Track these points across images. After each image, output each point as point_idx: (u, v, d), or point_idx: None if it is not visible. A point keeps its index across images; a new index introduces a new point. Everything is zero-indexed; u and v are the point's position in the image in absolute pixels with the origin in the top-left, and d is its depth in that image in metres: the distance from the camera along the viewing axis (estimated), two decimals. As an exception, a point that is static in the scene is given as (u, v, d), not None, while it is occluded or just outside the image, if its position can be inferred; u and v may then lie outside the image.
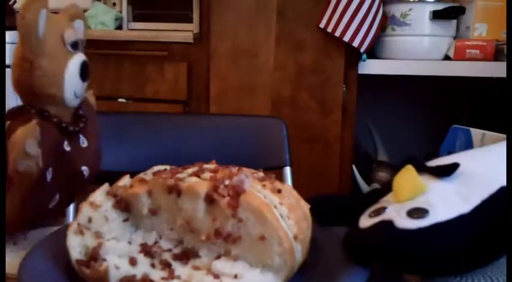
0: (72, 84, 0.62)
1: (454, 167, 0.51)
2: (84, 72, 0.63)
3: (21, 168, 0.56)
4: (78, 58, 0.63)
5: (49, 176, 0.60)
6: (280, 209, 0.48)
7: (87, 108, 0.71)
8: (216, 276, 0.47)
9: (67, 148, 0.64)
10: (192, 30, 1.93)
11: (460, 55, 1.76)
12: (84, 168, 0.66)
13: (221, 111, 1.87)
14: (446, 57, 1.82)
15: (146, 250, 0.51)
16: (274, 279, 0.47)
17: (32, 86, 0.62)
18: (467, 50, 1.76)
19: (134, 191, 0.53)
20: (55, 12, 0.65)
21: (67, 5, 0.68)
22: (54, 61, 0.61)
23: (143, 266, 0.49)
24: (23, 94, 0.64)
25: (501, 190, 0.49)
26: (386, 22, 1.83)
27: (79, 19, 0.67)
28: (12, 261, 0.52)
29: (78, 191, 0.67)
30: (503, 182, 0.49)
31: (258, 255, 0.47)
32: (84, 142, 0.67)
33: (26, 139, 0.55)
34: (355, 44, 1.72)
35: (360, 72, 1.81)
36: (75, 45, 0.63)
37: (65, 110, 0.65)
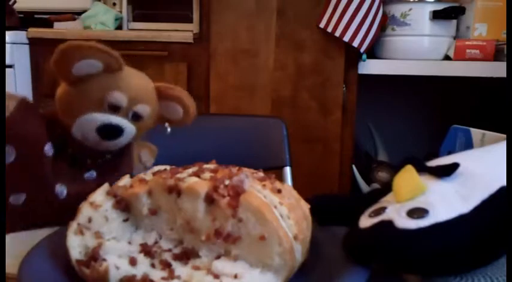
0: (84, 129, 0.64)
1: (454, 167, 0.51)
2: (104, 132, 0.63)
3: None
4: (105, 118, 0.63)
5: (9, 157, 0.60)
6: (280, 209, 0.48)
7: (125, 159, 0.71)
8: (216, 276, 0.47)
9: (48, 152, 0.63)
10: (192, 30, 1.93)
11: (460, 55, 1.76)
12: (60, 187, 0.64)
13: (221, 111, 1.87)
14: (446, 57, 1.82)
15: (146, 250, 0.51)
16: (274, 279, 0.47)
17: (57, 104, 0.65)
18: (467, 50, 1.76)
19: (134, 191, 0.53)
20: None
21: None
22: (82, 103, 0.63)
23: (143, 266, 0.49)
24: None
25: (501, 190, 0.49)
26: (387, 22, 1.83)
27: (175, 103, 0.70)
28: (12, 261, 0.52)
29: (51, 211, 0.64)
30: (503, 182, 0.49)
31: (258, 255, 0.47)
32: (91, 176, 0.67)
33: None
34: (355, 44, 1.72)
35: (360, 72, 1.81)
36: (114, 108, 0.63)
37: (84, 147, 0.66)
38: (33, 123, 0.64)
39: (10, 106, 0.62)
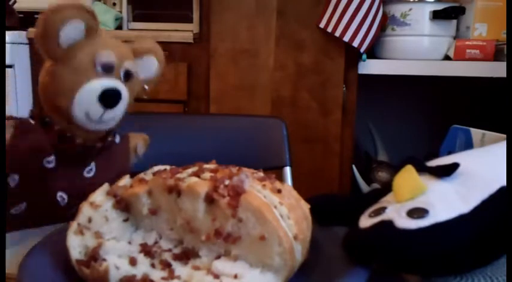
0: (84, 103, 0.61)
1: (454, 167, 0.51)
2: (106, 98, 0.61)
3: None
4: (105, 82, 0.61)
5: (13, 182, 0.61)
6: (280, 209, 0.48)
7: (122, 149, 0.70)
8: (216, 276, 0.47)
9: (48, 165, 0.63)
10: (192, 30, 1.93)
11: (460, 55, 1.76)
12: (60, 194, 0.64)
13: (221, 111, 1.87)
14: (446, 57, 1.82)
15: (146, 250, 0.51)
16: (274, 279, 0.47)
17: (44, 93, 0.62)
18: (467, 50, 1.76)
19: (134, 191, 0.53)
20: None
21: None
22: (75, 75, 0.60)
23: (143, 266, 0.49)
24: (43, 102, 0.63)
25: (501, 190, 0.49)
26: (387, 22, 1.83)
27: (150, 55, 0.70)
28: (12, 261, 0.52)
29: (52, 214, 0.64)
30: (503, 182, 0.49)
31: (258, 255, 0.47)
32: (91, 171, 0.66)
33: None
34: (355, 44, 1.72)
35: (360, 72, 1.81)
36: (107, 69, 0.61)
37: (83, 132, 0.64)
38: (32, 142, 0.62)
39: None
